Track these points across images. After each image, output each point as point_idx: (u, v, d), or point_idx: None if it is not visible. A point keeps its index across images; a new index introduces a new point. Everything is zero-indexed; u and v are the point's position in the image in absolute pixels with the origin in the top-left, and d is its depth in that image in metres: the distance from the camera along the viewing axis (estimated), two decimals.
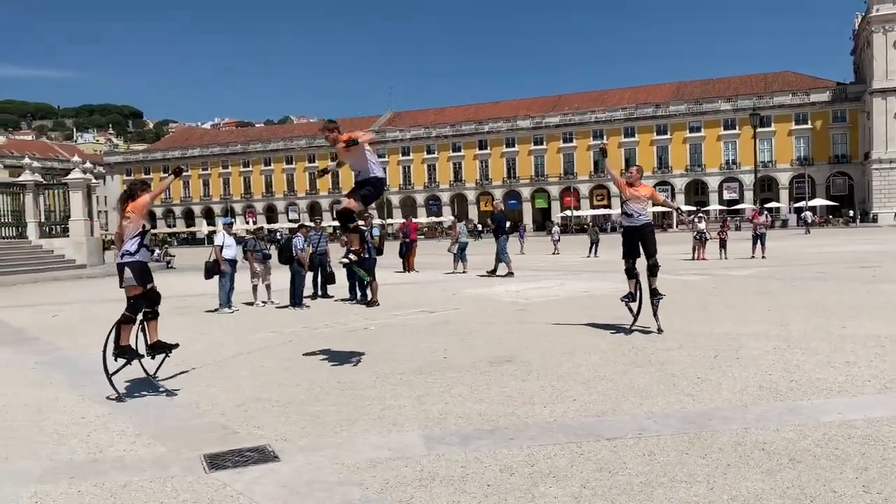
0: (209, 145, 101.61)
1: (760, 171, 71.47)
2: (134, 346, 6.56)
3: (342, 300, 14.32)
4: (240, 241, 15.55)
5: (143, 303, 6.48)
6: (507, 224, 20.17)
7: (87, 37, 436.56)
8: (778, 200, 72.79)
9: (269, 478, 4.31)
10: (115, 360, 6.49)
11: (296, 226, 21.21)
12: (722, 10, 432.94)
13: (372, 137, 7.03)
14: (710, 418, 5.20)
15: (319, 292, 15.11)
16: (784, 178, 74.79)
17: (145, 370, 6.74)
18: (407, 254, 22.54)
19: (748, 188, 73.81)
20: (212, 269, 13.07)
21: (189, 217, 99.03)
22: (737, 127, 75.79)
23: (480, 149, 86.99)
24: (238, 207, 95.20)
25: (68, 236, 29.41)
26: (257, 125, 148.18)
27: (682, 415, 5.33)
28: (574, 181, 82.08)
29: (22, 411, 6.14)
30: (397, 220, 78.37)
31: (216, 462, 4.62)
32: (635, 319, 9.06)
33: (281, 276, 14.52)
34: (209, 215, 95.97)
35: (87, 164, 32.71)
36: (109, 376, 6.35)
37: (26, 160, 32.27)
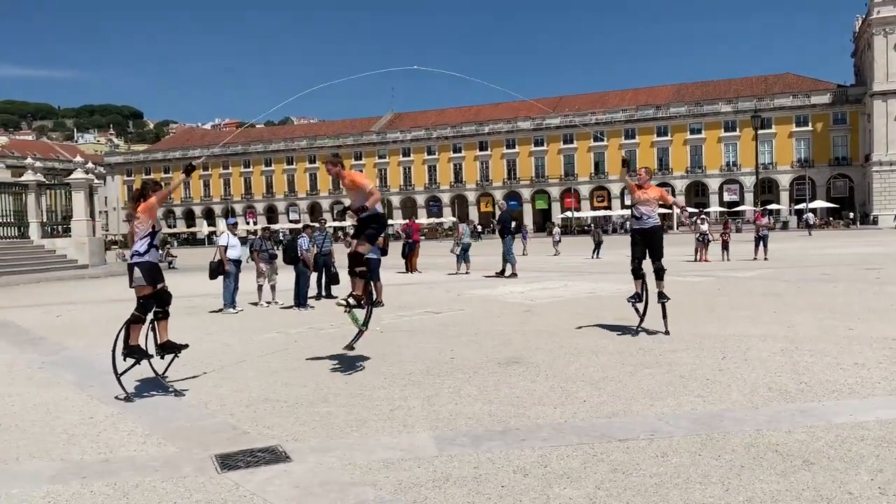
0: (210, 146, 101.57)
1: (761, 173, 71.46)
2: (143, 346, 6.55)
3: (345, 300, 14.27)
4: (243, 241, 15.54)
5: (154, 303, 6.47)
6: (513, 224, 20.17)
7: (87, 37, 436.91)
8: (778, 202, 72.79)
9: (282, 478, 4.30)
10: (125, 359, 6.48)
11: (296, 226, 21.18)
12: (722, 12, 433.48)
13: (377, 199, 7.36)
14: (722, 419, 5.20)
15: (323, 293, 15.10)
16: (784, 180, 74.79)
17: (154, 370, 6.73)
18: (410, 254, 22.54)
19: (748, 190, 73.85)
20: (216, 270, 13.05)
21: (190, 217, 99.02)
22: (737, 129, 75.80)
23: (481, 150, 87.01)
24: (238, 208, 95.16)
25: (70, 236, 29.39)
26: (258, 126, 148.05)
27: (692, 416, 5.32)
28: (574, 182, 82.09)
29: (31, 411, 6.14)
30: (397, 220, 78.39)
31: (228, 462, 4.61)
32: (642, 320, 9.05)
33: (285, 277, 14.52)
34: (210, 216, 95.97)
35: (90, 165, 32.72)
36: (118, 376, 6.34)
37: (29, 160, 32.25)
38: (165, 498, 4.07)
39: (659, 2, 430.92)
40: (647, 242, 8.85)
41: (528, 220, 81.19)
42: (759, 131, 66.34)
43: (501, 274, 19.10)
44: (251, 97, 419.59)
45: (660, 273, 8.92)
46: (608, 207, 79.20)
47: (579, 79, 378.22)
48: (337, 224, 61.82)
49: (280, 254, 14.42)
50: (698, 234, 24.55)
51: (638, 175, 9.16)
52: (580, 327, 9.62)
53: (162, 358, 6.83)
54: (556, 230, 37.03)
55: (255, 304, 13.87)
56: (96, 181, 32.03)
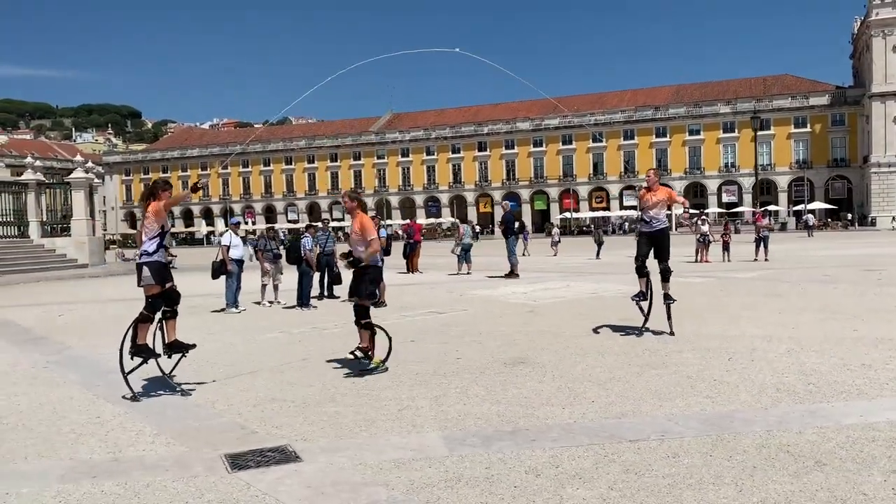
0: (208, 145, 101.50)
1: (759, 174, 71.54)
2: (151, 346, 6.53)
3: (348, 300, 14.26)
4: (242, 241, 15.51)
5: (162, 302, 6.46)
6: (516, 225, 20.15)
7: (86, 36, 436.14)
8: (777, 203, 72.88)
9: (293, 478, 4.29)
10: (132, 358, 6.47)
11: (294, 226, 21.14)
12: (722, 13, 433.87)
13: (376, 251, 7.54)
14: (732, 420, 5.19)
15: (326, 293, 15.08)
16: (783, 182, 74.88)
17: (161, 369, 6.72)
18: (411, 254, 22.52)
19: (747, 191, 73.97)
20: (219, 270, 13.04)
21: (188, 217, 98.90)
22: (736, 130, 75.88)
23: (480, 150, 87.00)
24: (237, 208, 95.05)
25: (70, 236, 29.34)
26: (256, 126, 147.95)
27: (702, 417, 5.32)
28: (573, 183, 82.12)
29: (37, 411, 6.12)
30: (396, 221, 78.41)
31: (238, 462, 4.60)
32: (646, 320, 9.05)
33: (287, 277, 14.50)
34: (208, 215, 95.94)
35: (89, 164, 32.67)
36: (125, 375, 6.32)
37: (28, 159, 32.21)
38: (177, 497, 4.06)
39: (659, 2, 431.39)
40: (653, 243, 8.85)
41: (527, 220, 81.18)
42: (758, 132, 66.50)
43: (510, 275, 19.04)
44: (251, 97, 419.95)
45: (666, 274, 8.91)
46: (607, 208, 79.24)
47: (579, 79, 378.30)
48: (337, 225, 61.67)
49: (283, 254, 14.40)
50: (699, 235, 24.56)
51: (647, 177, 9.14)
52: (584, 327, 9.61)
53: (169, 357, 6.82)
54: (556, 231, 37.05)
55: (258, 303, 13.86)
56: (96, 181, 31.98)
